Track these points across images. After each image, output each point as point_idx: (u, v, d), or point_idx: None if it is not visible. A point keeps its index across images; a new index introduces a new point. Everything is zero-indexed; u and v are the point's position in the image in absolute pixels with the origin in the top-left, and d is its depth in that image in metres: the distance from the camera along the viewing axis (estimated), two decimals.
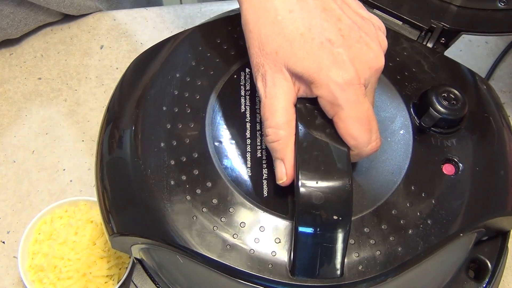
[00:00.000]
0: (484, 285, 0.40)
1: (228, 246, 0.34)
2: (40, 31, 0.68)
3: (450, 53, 0.50)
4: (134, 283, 0.41)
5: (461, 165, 0.38)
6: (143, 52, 0.43)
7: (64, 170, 0.59)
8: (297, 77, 0.33)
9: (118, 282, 0.50)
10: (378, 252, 0.34)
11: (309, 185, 0.31)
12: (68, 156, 0.60)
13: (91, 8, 0.69)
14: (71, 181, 0.58)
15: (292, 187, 0.33)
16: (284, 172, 0.33)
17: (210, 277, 0.35)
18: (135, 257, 0.40)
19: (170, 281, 0.37)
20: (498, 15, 0.51)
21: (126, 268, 0.50)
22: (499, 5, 0.51)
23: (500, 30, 0.52)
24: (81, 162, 0.59)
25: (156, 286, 0.40)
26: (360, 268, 0.34)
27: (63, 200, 0.54)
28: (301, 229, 0.32)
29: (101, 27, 0.69)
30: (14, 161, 0.59)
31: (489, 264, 0.40)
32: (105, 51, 0.67)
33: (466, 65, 0.45)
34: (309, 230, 0.32)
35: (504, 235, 0.41)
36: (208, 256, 0.34)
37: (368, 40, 0.33)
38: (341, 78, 0.31)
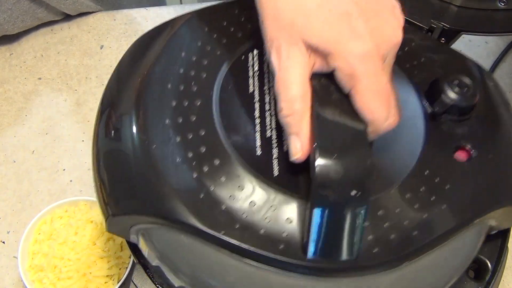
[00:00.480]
0: (484, 285, 0.40)
1: (237, 225, 0.33)
2: (40, 31, 0.68)
3: None
4: (134, 283, 0.41)
5: (473, 152, 0.37)
6: (145, 33, 0.43)
7: (64, 170, 0.59)
8: (313, 49, 0.32)
9: (118, 282, 0.50)
10: (392, 236, 0.33)
11: (326, 160, 0.30)
12: (68, 156, 0.60)
13: (91, 8, 0.69)
14: (71, 181, 0.58)
15: (304, 165, 0.32)
16: (299, 147, 0.32)
17: (217, 258, 0.33)
18: (135, 258, 0.40)
19: (171, 266, 0.36)
20: (498, 15, 0.51)
21: (126, 268, 0.50)
22: (499, 5, 0.51)
23: (500, 30, 0.52)
24: (81, 162, 0.59)
25: (156, 286, 0.40)
26: (375, 251, 0.33)
27: (63, 200, 0.54)
28: (316, 207, 0.31)
29: (101, 27, 0.69)
30: (14, 161, 0.59)
31: (489, 264, 0.40)
32: (105, 51, 0.67)
33: None
34: (324, 208, 0.31)
35: (504, 235, 0.41)
36: (216, 235, 0.32)
37: (386, 15, 0.33)
38: (360, 49, 0.31)
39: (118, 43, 0.68)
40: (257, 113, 0.37)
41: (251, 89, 0.38)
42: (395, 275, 0.34)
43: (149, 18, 0.70)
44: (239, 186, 0.34)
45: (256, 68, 0.40)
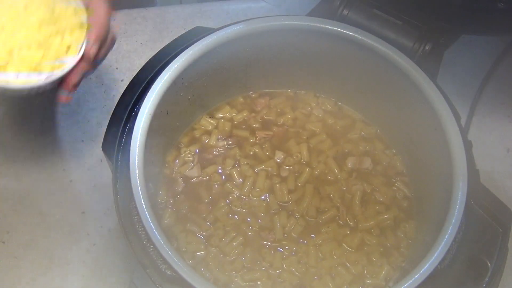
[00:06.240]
0: (484, 285, 0.40)
1: None
2: None
3: (450, 53, 0.51)
4: (134, 283, 0.41)
5: None
6: None
7: (64, 170, 0.59)
8: None
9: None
10: None
11: None
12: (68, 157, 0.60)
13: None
14: (71, 181, 0.58)
15: None
16: None
17: None
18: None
19: None
20: (498, 15, 0.51)
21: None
22: (499, 5, 0.51)
23: (500, 30, 0.52)
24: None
25: (156, 286, 0.40)
26: None
27: None
28: None
29: None
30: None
31: (489, 264, 0.40)
32: None
33: (466, 65, 0.45)
34: None
35: (504, 235, 0.41)
36: None
37: None
38: None
39: (118, 43, 0.67)
40: None
41: None
42: None
43: (149, 18, 0.70)
44: None
45: None
